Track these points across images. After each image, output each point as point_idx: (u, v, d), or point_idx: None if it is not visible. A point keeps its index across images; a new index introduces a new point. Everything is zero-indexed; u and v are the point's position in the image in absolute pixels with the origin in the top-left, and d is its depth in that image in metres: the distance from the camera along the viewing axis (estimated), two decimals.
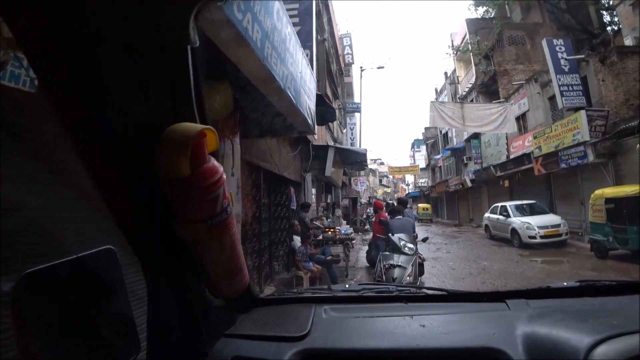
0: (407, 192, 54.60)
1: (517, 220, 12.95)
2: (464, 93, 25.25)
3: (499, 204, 15.24)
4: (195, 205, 0.79)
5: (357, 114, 24.35)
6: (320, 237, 8.40)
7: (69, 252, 0.71)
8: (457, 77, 27.33)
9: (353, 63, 24.80)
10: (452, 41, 26.27)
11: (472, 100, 23.10)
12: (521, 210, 13.65)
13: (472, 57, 23.12)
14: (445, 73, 30.56)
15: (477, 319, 1.09)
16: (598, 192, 9.75)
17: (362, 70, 23.78)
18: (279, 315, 1.17)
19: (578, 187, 13.51)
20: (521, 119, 17.31)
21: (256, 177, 6.49)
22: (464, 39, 23.82)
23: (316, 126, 6.41)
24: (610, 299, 1.19)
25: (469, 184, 23.86)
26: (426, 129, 37.85)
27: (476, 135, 21.58)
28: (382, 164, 61.50)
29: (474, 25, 22.89)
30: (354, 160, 13.78)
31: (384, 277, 5.30)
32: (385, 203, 12.28)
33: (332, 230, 9.31)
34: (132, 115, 0.76)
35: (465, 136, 23.59)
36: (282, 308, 1.25)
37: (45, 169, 1.54)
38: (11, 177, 1.39)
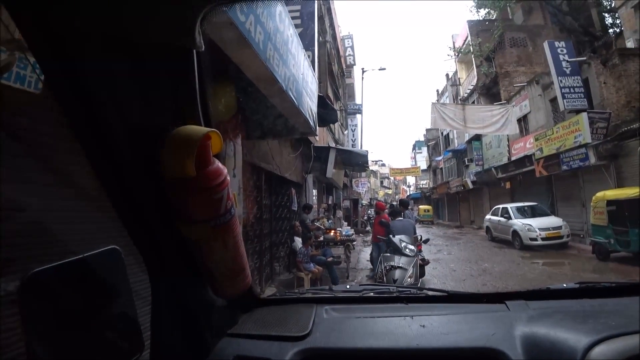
0: (408, 193, 54.55)
1: (518, 222, 12.93)
2: (466, 95, 25.25)
3: (500, 206, 15.23)
4: (200, 206, 0.81)
5: (358, 116, 24.38)
6: (321, 239, 8.40)
7: (73, 252, 0.72)
8: (459, 78, 27.34)
9: (355, 64, 24.83)
10: (453, 43, 26.32)
11: (473, 102, 23.10)
12: (522, 212, 13.63)
13: (473, 59, 23.12)
14: (447, 75, 30.57)
15: (477, 320, 1.10)
16: (599, 194, 9.73)
17: (363, 72, 23.81)
18: (280, 315, 1.18)
19: (579, 189, 13.49)
20: (522, 120, 17.30)
21: (258, 179, 6.50)
22: (465, 40, 23.83)
23: (317, 127, 6.42)
24: (609, 300, 1.19)
25: (470, 185, 23.83)
26: (427, 130, 37.81)
27: (477, 137, 21.57)
28: (383, 165, 61.56)
29: (476, 27, 22.91)
30: (355, 162, 13.78)
31: (385, 278, 5.30)
32: (389, 205, 12.27)
33: (333, 231, 9.32)
34: (139, 117, 0.78)
35: (467, 138, 23.58)
36: (283, 308, 1.25)
37: (49, 169, 1.55)
38: (14, 177, 1.40)
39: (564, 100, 12.99)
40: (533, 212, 13.51)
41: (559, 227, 12.16)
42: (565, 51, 13.43)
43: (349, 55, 23.59)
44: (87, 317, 0.72)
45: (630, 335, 0.85)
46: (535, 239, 11.92)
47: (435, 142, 35.82)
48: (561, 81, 13.11)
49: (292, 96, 4.06)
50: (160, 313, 0.92)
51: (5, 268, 1.24)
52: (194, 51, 0.77)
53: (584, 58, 13.23)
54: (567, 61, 13.27)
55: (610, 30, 15.78)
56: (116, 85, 0.73)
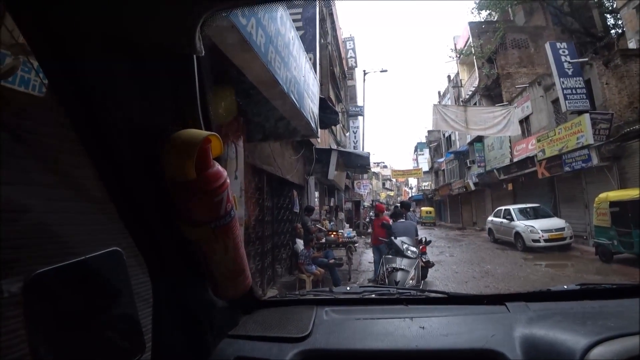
0: (410, 195, 54.49)
1: (520, 224, 12.90)
2: (467, 96, 25.22)
3: (503, 207, 15.20)
4: (200, 208, 0.81)
5: (360, 117, 24.38)
6: (323, 240, 8.40)
7: (75, 254, 0.73)
8: (460, 80, 27.33)
9: (356, 66, 24.87)
10: (455, 44, 26.31)
11: (475, 104, 23.07)
12: (525, 214, 13.60)
13: (475, 61, 23.11)
14: (449, 76, 30.55)
15: (477, 321, 1.10)
16: (602, 195, 9.70)
17: (365, 74, 23.82)
18: (281, 317, 1.18)
19: (582, 190, 13.44)
20: (524, 122, 17.27)
21: (259, 181, 6.51)
22: (467, 42, 23.83)
23: (319, 130, 6.43)
24: (610, 302, 1.19)
25: (473, 187, 23.78)
26: (429, 132, 37.75)
27: (479, 139, 21.54)
28: (385, 167, 61.55)
29: (477, 29, 22.91)
30: (356, 164, 13.78)
31: (386, 280, 5.30)
32: (392, 207, 12.25)
33: (335, 233, 9.32)
34: (140, 119, 0.79)
35: (469, 139, 23.55)
36: (284, 309, 1.26)
37: (52, 172, 1.57)
38: (17, 179, 1.42)
39: (566, 102, 12.96)
40: (535, 214, 13.47)
41: (562, 229, 12.12)
42: (567, 52, 13.42)
43: (351, 57, 23.62)
44: (89, 318, 0.72)
45: (630, 336, 0.85)
46: (538, 241, 11.89)
47: (437, 144, 35.79)
48: (563, 82, 13.09)
49: (293, 98, 4.07)
50: (162, 314, 0.93)
51: (8, 270, 1.26)
52: (195, 56, 0.78)
53: (586, 59, 13.21)
54: (569, 62, 13.25)
55: (612, 31, 15.76)
56: (118, 88, 0.74)
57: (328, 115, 7.06)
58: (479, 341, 0.96)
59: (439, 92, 33.52)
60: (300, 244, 7.49)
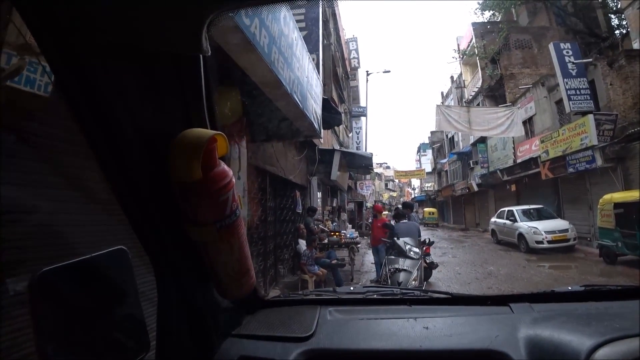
0: (413, 196, 54.39)
1: (524, 225, 12.84)
2: (470, 97, 25.15)
3: (506, 209, 15.14)
4: (206, 207, 0.82)
5: (362, 118, 24.36)
6: (326, 241, 8.40)
7: (81, 253, 0.74)
8: (464, 81, 27.24)
9: (359, 67, 24.85)
10: (458, 45, 26.24)
11: (478, 104, 22.99)
12: (528, 215, 13.54)
13: (478, 61, 23.04)
14: (452, 77, 30.47)
15: (481, 322, 1.10)
16: (607, 196, 9.65)
17: (368, 74, 23.81)
18: (284, 317, 1.18)
19: (586, 191, 13.38)
20: (528, 123, 17.19)
21: (262, 181, 6.52)
22: (470, 42, 23.76)
23: (322, 130, 6.44)
24: (615, 303, 1.19)
25: (476, 188, 23.71)
26: (432, 132, 37.71)
27: (483, 139, 21.46)
28: (388, 168, 61.40)
29: (480, 29, 22.83)
30: (359, 164, 13.78)
31: (389, 281, 5.29)
32: (395, 208, 12.23)
33: (337, 234, 9.31)
34: (146, 120, 0.79)
35: (472, 140, 23.48)
36: (287, 309, 1.26)
37: (58, 172, 1.58)
38: (24, 180, 1.43)
39: (570, 102, 12.91)
40: (539, 215, 13.42)
41: (566, 230, 12.05)
42: (570, 53, 13.36)
43: (354, 58, 23.63)
44: (94, 317, 0.73)
45: (634, 337, 0.85)
46: (542, 242, 11.83)
47: (440, 145, 35.70)
48: (567, 83, 13.03)
49: (296, 99, 4.08)
50: (166, 313, 0.94)
51: (15, 269, 1.27)
52: (201, 55, 0.78)
53: (590, 59, 13.15)
54: (573, 63, 13.19)
55: (617, 32, 15.69)
56: (124, 89, 0.75)
57: (331, 115, 7.06)
58: (483, 342, 0.96)
59: (442, 93, 33.45)
60: (302, 244, 7.49)
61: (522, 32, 20.56)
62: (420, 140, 49.27)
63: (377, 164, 46.24)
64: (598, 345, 0.83)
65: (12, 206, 1.29)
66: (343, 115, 13.80)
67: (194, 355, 0.96)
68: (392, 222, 7.65)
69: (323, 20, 8.44)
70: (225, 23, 2.25)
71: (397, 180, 55.52)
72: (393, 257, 5.87)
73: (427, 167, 40.45)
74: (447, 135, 31.13)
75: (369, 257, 10.32)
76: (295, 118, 4.76)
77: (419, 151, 49.33)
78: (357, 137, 23.86)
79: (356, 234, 10.77)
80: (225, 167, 0.84)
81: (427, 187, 44.93)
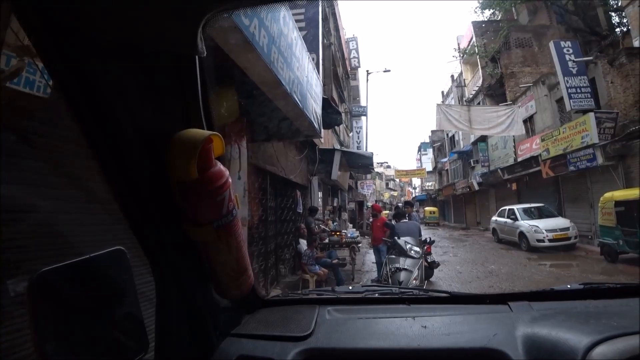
0: (414, 195, 54.36)
1: (524, 224, 12.83)
2: (471, 96, 25.13)
3: (507, 207, 15.13)
4: (203, 207, 0.82)
5: (363, 118, 24.36)
6: (327, 241, 8.40)
7: (80, 253, 0.74)
8: (464, 80, 27.21)
9: (359, 66, 24.84)
10: (458, 44, 26.22)
11: (479, 103, 22.98)
12: (529, 214, 13.52)
13: (478, 60, 23.02)
14: (452, 76, 30.44)
15: (479, 321, 1.10)
16: (608, 194, 9.64)
17: (368, 74, 23.80)
18: (283, 316, 1.19)
19: (587, 189, 13.37)
20: (529, 121, 17.18)
21: (263, 181, 6.53)
22: (470, 41, 23.74)
23: (322, 130, 6.44)
24: (614, 301, 1.18)
25: (476, 187, 23.69)
26: (433, 132, 37.71)
27: (483, 138, 21.45)
28: (388, 167, 61.43)
29: (481, 28, 22.81)
30: (360, 164, 13.78)
31: (390, 280, 5.29)
32: (396, 207, 12.21)
33: (338, 233, 9.32)
34: (143, 121, 0.79)
35: (472, 139, 23.46)
36: (286, 309, 1.26)
37: (58, 172, 1.58)
38: (23, 180, 1.43)
39: (571, 101, 12.89)
40: (540, 214, 13.40)
41: (567, 229, 12.04)
42: (571, 51, 13.34)
43: (354, 57, 23.61)
44: (93, 317, 0.73)
45: (632, 335, 0.84)
46: (542, 241, 11.82)
47: (440, 144, 35.69)
48: (567, 81, 13.01)
49: (296, 99, 4.08)
50: (165, 313, 0.94)
51: (14, 269, 1.27)
52: (197, 57, 0.79)
53: (591, 58, 13.12)
54: (574, 61, 13.17)
55: (617, 30, 15.65)
56: (121, 89, 0.75)
57: (331, 115, 7.07)
58: (481, 340, 0.96)
59: (443, 92, 33.43)
60: (303, 244, 7.49)
61: (522, 30, 20.53)
62: (421, 140, 49.24)
63: (378, 163, 46.28)
64: (595, 343, 0.83)
65: (12, 206, 1.30)
66: (343, 114, 13.80)
67: (193, 355, 0.96)
68: (393, 222, 7.65)
69: (322, 20, 8.43)
70: (223, 23, 2.26)
71: (397, 180, 55.49)
72: (394, 256, 5.88)
73: (428, 166, 40.43)
74: (447, 134, 31.10)
75: (370, 257, 10.32)
76: (295, 118, 4.77)
77: (419, 150, 49.31)
78: (358, 136, 23.86)
79: (357, 233, 10.78)
80: (222, 167, 0.84)
81: (428, 186, 44.90)
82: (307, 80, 4.66)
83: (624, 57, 11.55)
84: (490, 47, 21.07)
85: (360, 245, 9.87)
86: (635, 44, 12.21)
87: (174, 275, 0.94)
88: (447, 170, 32.54)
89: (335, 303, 1.29)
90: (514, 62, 19.94)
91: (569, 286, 1.36)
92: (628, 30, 13.39)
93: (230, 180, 0.85)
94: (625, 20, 14.48)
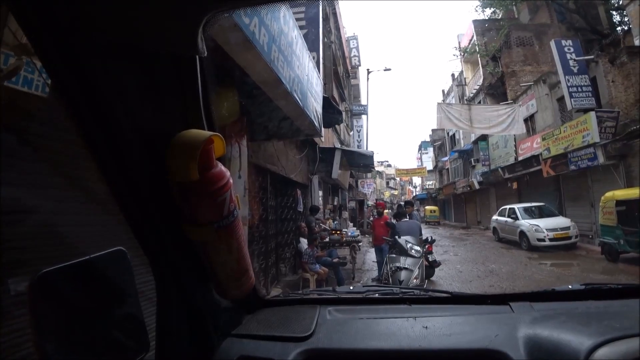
0: (414, 194, 54.35)
1: (525, 223, 12.82)
2: (472, 95, 25.10)
3: (507, 206, 15.12)
4: (204, 208, 0.82)
5: (363, 116, 24.33)
6: (327, 240, 8.40)
7: (81, 255, 0.74)
8: (465, 78, 27.18)
9: (360, 65, 24.81)
10: (459, 43, 26.18)
11: (479, 102, 22.96)
12: (530, 213, 13.51)
13: (479, 59, 22.99)
14: (453, 75, 30.40)
15: (480, 321, 1.09)
16: (608, 194, 9.62)
17: (368, 73, 23.76)
18: (284, 316, 1.18)
19: (588, 189, 13.35)
20: (529, 120, 17.16)
21: (263, 180, 6.53)
22: (471, 40, 23.71)
23: (323, 129, 6.43)
24: (615, 302, 1.18)
25: (477, 186, 23.68)
26: (433, 130, 37.67)
27: (484, 137, 21.43)
28: (389, 166, 61.43)
29: (481, 27, 22.78)
30: (360, 163, 13.76)
31: (390, 279, 5.29)
32: (396, 205, 12.20)
33: (338, 232, 9.32)
34: (143, 121, 0.79)
35: (473, 138, 23.44)
36: (287, 309, 1.26)
37: (58, 172, 1.58)
38: (23, 181, 1.43)
39: (572, 100, 12.87)
40: (540, 213, 13.39)
41: (567, 228, 12.04)
42: (572, 50, 13.31)
43: (354, 56, 23.58)
44: (93, 317, 0.73)
45: (634, 337, 0.84)
46: (543, 240, 11.82)
47: (441, 143, 35.66)
48: (568, 80, 12.99)
49: (297, 98, 4.07)
50: (165, 313, 0.94)
51: (15, 270, 1.27)
52: (198, 57, 0.78)
53: (592, 56, 13.09)
54: (575, 60, 13.14)
55: (618, 28, 15.60)
56: (121, 89, 0.75)
57: (332, 114, 7.06)
58: (482, 341, 0.96)
59: (443, 91, 33.39)
60: (304, 243, 7.49)
61: (523, 29, 20.49)
62: (422, 138, 49.23)
63: (378, 162, 46.28)
64: (597, 345, 0.82)
65: (12, 206, 1.29)
66: (344, 113, 13.78)
67: (194, 355, 0.96)
68: (394, 221, 7.65)
69: (323, 18, 8.42)
70: (224, 22, 2.25)
71: (398, 179, 55.47)
72: (394, 255, 5.87)
73: (429, 165, 40.40)
74: (448, 133, 31.08)
75: (371, 256, 10.33)
76: (295, 117, 4.76)
77: (420, 149, 49.28)
78: (358, 135, 23.84)
79: (357, 232, 10.77)
80: (223, 168, 0.84)
81: (429, 185, 44.88)
82: (308, 79, 4.65)
83: (625, 55, 11.52)
84: (491, 46, 21.06)
85: (360, 244, 9.87)
86: (636, 42, 12.16)
87: (174, 275, 0.94)
88: (447, 169, 32.52)
89: (336, 303, 1.28)
90: (514, 60, 19.91)
91: (570, 287, 1.36)
92: (629, 28, 13.35)
93: (231, 181, 0.85)
94: (626, 19, 14.44)
